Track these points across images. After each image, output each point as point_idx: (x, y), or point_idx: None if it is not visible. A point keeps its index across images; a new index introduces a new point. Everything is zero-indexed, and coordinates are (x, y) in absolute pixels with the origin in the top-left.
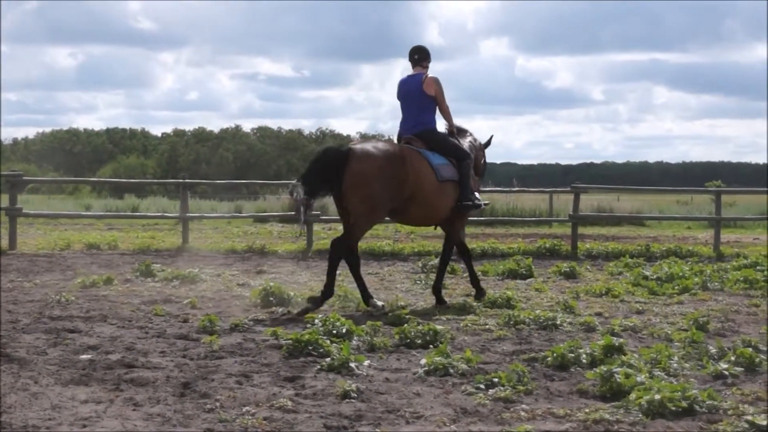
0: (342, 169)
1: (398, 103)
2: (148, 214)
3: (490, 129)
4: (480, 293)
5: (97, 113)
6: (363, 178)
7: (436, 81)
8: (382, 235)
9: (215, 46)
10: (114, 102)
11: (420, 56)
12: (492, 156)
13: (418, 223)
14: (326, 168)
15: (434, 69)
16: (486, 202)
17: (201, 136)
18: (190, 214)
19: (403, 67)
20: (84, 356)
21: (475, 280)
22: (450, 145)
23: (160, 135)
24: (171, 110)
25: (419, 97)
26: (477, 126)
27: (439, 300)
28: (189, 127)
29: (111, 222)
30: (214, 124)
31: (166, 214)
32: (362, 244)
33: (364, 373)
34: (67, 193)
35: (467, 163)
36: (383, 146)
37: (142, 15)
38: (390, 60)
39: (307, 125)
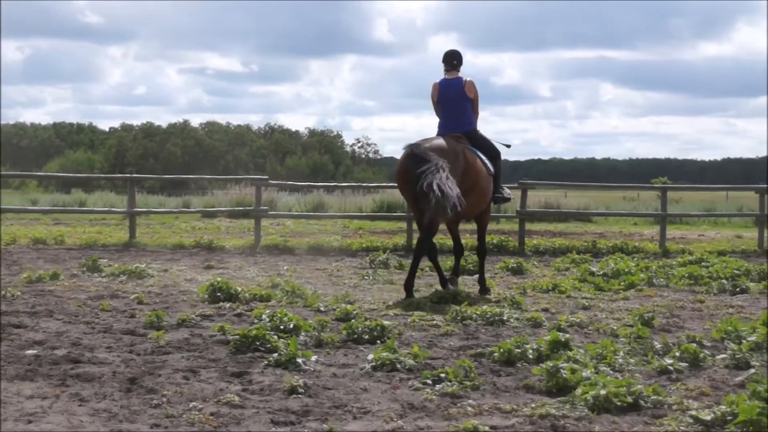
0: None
1: (428, 102)
2: (95, 209)
3: (436, 126)
4: (445, 284)
5: (44, 107)
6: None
7: (474, 84)
8: (330, 231)
9: (163, 40)
10: (61, 96)
11: (458, 61)
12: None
13: (467, 213)
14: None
15: (382, 66)
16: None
17: (149, 130)
18: (138, 209)
19: (352, 63)
20: (30, 351)
21: (442, 277)
22: (488, 143)
23: (107, 129)
24: (119, 105)
25: (461, 100)
26: (424, 122)
27: (483, 289)
28: (137, 122)
29: (58, 217)
30: (162, 118)
31: (113, 209)
32: (310, 240)
33: (312, 369)
34: (14, 187)
35: (500, 160)
36: (446, 142)
37: (90, 9)
38: (338, 56)
39: (256, 120)
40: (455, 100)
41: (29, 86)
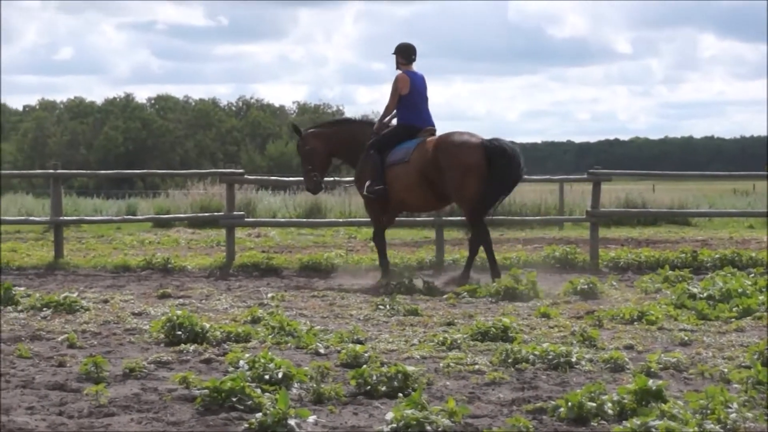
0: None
1: (393, 93)
2: (7, 218)
3: (472, 95)
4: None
5: None
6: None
7: None
8: (330, 243)
9: None
10: None
11: (415, 57)
12: (478, 132)
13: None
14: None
15: (396, 15)
16: None
17: (78, 109)
18: (65, 218)
19: (356, 11)
20: None
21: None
22: None
23: (21, 109)
24: (36, 74)
25: (425, 94)
26: (455, 91)
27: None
28: (61, 98)
29: None
30: (96, 92)
31: (31, 218)
32: (303, 257)
33: None
34: None
35: None
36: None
37: None
38: (336, 3)
39: (225, 93)
40: (424, 95)
41: None
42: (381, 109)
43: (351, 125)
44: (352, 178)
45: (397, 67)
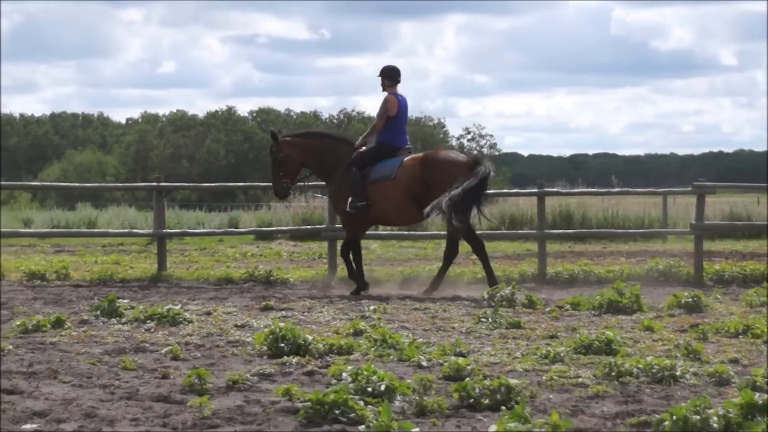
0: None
1: (383, 114)
2: (111, 230)
3: (576, 107)
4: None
5: (38, 93)
6: None
7: None
8: (431, 256)
9: None
10: (61, 77)
11: (400, 78)
12: (581, 145)
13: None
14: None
15: (499, 28)
16: None
17: (181, 122)
18: (168, 230)
19: (458, 24)
20: (28, 427)
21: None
22: None
23: (124, 122)
24: (139, 87)
25: (406, 116)
26: (558, 103)
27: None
28: (164, 111)
29: (59, 242)
30: (198, 105)
31: (134, 231)
32: (405, 269)
33: None
34: None
35: None
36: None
37: None
38: (439, 15)
39: (326, 106)
40: (406, 116)
41: (17, 65)
42: (479, 121)
43: (327, 140)
44: (326, 192)
45: (383, 89)
